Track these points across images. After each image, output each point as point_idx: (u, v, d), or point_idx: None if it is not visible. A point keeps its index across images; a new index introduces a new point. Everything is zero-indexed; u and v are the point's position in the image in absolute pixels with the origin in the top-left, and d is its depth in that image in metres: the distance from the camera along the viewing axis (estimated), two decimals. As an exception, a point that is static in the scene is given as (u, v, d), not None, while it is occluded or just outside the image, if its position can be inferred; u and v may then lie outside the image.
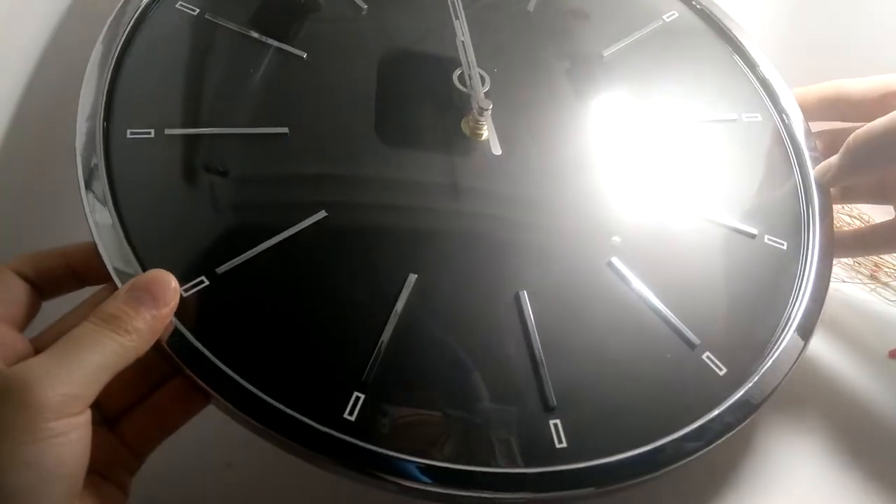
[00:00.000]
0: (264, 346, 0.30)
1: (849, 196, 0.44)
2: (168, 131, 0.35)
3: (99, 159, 0.32)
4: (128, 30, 0.37)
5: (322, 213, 0.34)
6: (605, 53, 0.44)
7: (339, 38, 0.41)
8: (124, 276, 0.30)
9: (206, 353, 0.29)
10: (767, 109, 0.44)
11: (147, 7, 0.38)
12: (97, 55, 0.35)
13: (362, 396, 0.30)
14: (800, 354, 0.35)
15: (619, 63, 0.44)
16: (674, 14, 0.47)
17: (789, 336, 0.35)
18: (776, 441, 0.39)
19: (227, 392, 0.28)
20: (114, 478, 0.29)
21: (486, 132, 0.38)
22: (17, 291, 0.29)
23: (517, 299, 0.34)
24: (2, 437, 0.22)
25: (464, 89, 0.39)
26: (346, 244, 0.34)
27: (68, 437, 0.23)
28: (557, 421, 0.31)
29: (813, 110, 0.43)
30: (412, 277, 0.33)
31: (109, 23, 0.36)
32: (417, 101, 0.40)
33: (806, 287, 0.36)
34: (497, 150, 0.37)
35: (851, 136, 0.37)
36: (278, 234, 0.33)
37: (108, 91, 0.35)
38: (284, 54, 0.39)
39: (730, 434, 0.32)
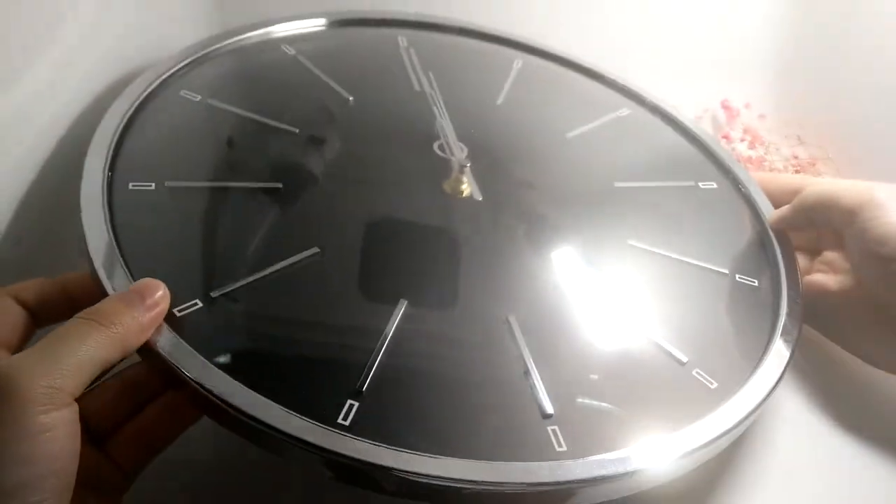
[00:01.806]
0: (257, 358, 0.31)
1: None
2: (168, 184, 0.37)
3: (103, 202, 0.34)
4: (136, 104, 0.40)
5: (314, 249, 0.35)
6: (569, 135, 0.48)
7: (329, 119, 0.45)
8: None
9: (202, 357, 0.29)
10: (722, 178, 0.48)
11: (154, 91, 0.42)
12: (108, 123, 0.39)
13: (356, 404, 0.29)
14: (788, 361, 0.35)
15: (581, 142, 0.48)
16: (625, 111, 0.52)
17: (775, 346, 0.36)
18: (776, 441, 0.38)
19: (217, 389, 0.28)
20: (104, 497, 0.28)
21: (467, 187, 0.41)
22: (15, 316, 0.30)
23: (507, 323, 0.34)
24: None
25: (443, 155, 0.43)
26: (337, 277, 0.35)
27: (57, 433, 0.23)
28: (556, 427, 0.30)
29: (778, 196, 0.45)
30: (403, 303, 0.34)
31: (122, 96, 0.40)
32: (402, 169, 0.43)
33: (782, 308, 0.38)
34: (479, 196, 0.40)
35: (805, 192, 0.40)
36: (272, 265, 0.34)
37: (113, 151, 0.37)
38: (277, 130, 0.43)
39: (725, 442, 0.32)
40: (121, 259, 0.32)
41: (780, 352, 0.36)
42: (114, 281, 0.31)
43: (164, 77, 0.43)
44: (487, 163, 0.44)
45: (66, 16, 0.41)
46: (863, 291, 0.37)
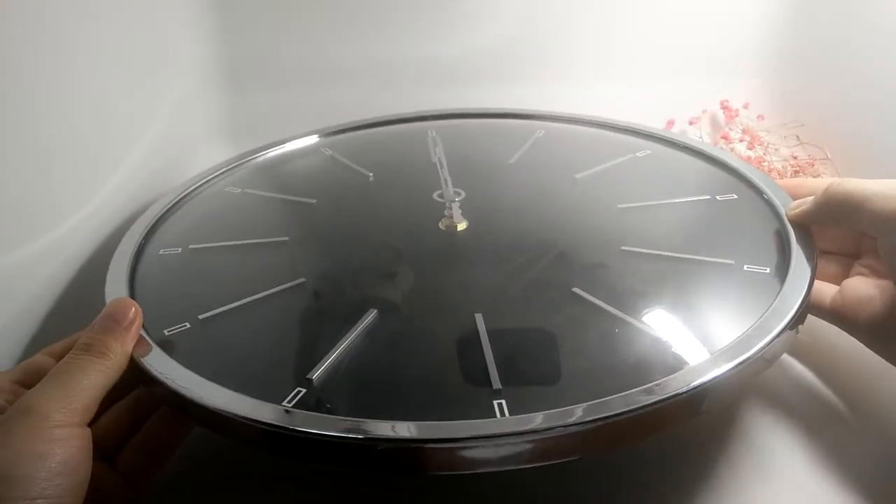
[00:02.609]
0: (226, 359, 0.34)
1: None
2: (192, 246, 0.43)
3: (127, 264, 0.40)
4: (180, 196, 0.48)
5: (301, 280, 0.39)
6: (578, 176, 0.49)
7: (345, 191, 0.50)
8: None
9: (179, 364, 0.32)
10: (745, 190, 0.45)
11: (200, 186, 0.50)
12: (154, 209, 0.46)
13: (303, 391, 0.30)
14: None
15: (589, 180, 0.49)
16: (645, 151, 0.52)
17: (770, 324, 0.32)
18: (776, 443, 0.36)
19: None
20: None
21: (461, 223, 0.43)
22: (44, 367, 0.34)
23: (473, 319, 0.34)
24: (14, 437, 0.26)
25: (440, 200, 0.45)
26: (315, 297, 0.38)
27: (72, 442, 0.27)
28: (502, 401, 0.29)
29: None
30: (371, 311, 0.35)
31: (168, 193, 0.48)
32: (402, 215, 0.46)
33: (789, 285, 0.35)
34: (463, 224, 0.43)
35: (831, 184, 0.37)
36: (257, 293, 0.38)
37: (151, 228, 0.45)
38: (296, 202, 0.48)
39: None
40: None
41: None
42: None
43: (209, 177, 0.51)
44: (488, 206, 0.46)
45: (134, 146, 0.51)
46: None
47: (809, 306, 0.35)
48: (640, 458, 0.35)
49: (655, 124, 0.63)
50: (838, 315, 0.37)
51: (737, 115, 0.62)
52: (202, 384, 0.31)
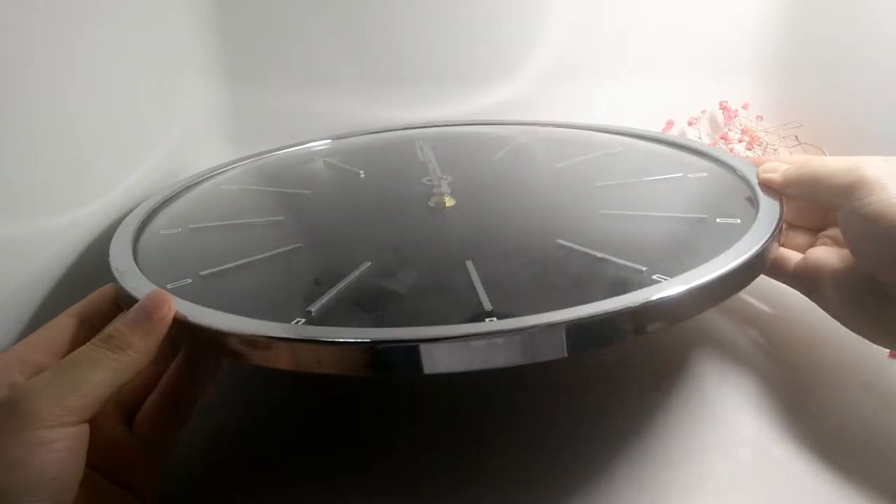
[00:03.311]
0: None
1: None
2: (192, 226, 0.45)
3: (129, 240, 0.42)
4: (178, 190, 0.50)
5: (298, 244, 0.40)
6: (558, 165, 0.52)
7: (337, 185, 0.52)
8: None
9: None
10: (717, 168, 0.48)
11: (196, 183, 0.52)
12: (150, 200, 0.48)
13: (303, 320, 0.32)
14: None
15: (569, 168, 0.51)
16: (619, 148, 0.56)
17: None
18: (775, 442, 0.35)
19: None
20: (137, 480, 0.31)
21: (449, 199, 0.45)
22: (66, 331, 0.33)
23: (464, 265, 0.36)
24: None
25: (428, 183, 0.48)
26: (311, 256, 0.40)
27: (57, 446, 0.25)
28: (494, 318, 0.31)
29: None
30: (366, 264, 0.37)
31: (168, 187, 0.51)
32: (391, 197, 0.49)
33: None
34: (452, 202, 0.45)
35: (794, 166, 0.41)
36: (257, 255, 0.39)
37: (150, 213, 0.46)
38: (291, 193, 0.50)
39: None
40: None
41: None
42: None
43: (205, 177, 0.53)
44: (474, 188, 0.48)
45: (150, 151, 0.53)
46: (860, 268, 0.36)
47: (774, 247, 0.37)
48: (597, 406, 0.37)
49: (655, 125, 0.66)
50: (800, 279, 0.39)
51: (736, 116, 0.64)
52: (211, 313, 0.32)
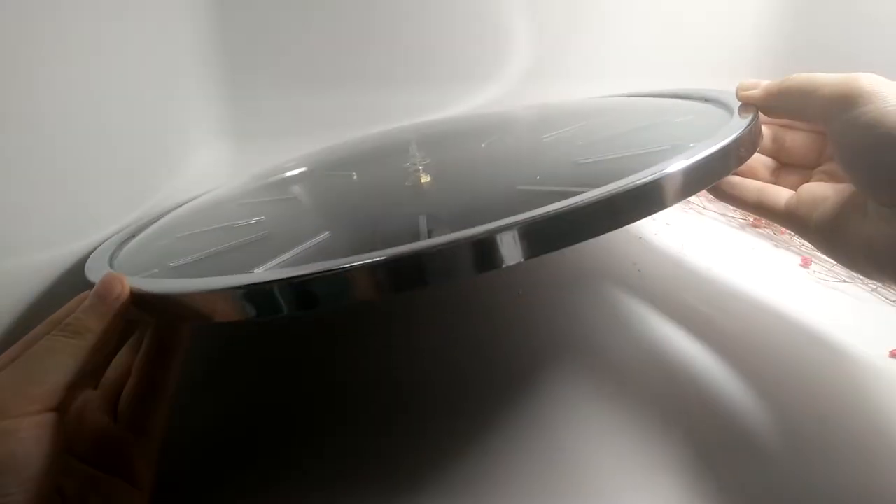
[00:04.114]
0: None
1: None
2: (178, 235, 0.46)
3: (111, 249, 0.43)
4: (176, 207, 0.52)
5: (265, 232, 0.41)
6: (545, 137, 0.50)
7: (329, 186, 0.53)
8: None
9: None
10: (702, 107, 0.46)
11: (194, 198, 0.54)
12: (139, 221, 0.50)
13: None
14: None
15: (555, 138, 0.50)
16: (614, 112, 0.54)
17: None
18: (774, 442, 0.35)
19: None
20: (134, 470, 0.31)
21: (426, 177, 0.45)
22: None
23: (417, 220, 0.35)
24: None
25: (408, 166, 0.48)
26: (276, 235, 0.40)
27: (19, 435, 0.25)
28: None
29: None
30: (324, 233, 0.37)
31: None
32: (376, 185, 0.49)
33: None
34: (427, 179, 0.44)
35: (786, 78, 0.38)
36: (225, 244, 0.40)
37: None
38: (284, 198, 0.51)
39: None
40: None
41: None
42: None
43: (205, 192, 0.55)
44: (454, 166, 0.47)
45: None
46: (857, 192, 0.34)
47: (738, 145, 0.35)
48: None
49: None
50: (792, 216, 0.37)
51: None
52: (164, 281, 0.32)
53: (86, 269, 0.39)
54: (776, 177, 0.41)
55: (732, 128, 0.35)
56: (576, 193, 0.32)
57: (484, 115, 0.64)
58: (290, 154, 0.62)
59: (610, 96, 0.58)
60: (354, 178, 0.53)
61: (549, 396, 0.37)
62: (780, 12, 0.65)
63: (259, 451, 0.37)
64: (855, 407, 0.36)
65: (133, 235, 0.47)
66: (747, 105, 0.39)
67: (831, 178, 0.38)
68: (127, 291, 0.31)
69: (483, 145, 0.54)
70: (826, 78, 0.35)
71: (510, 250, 0.27)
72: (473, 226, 0.27)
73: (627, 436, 0.34)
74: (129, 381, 0.34)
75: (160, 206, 0.52)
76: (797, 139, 0.41)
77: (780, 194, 0.39)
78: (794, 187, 0.39)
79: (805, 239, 0.37)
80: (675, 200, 0.31)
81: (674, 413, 0.35)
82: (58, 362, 0.27)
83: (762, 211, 0.39)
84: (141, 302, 0.31)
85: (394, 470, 0.34)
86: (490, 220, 0.27)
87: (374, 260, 0.27)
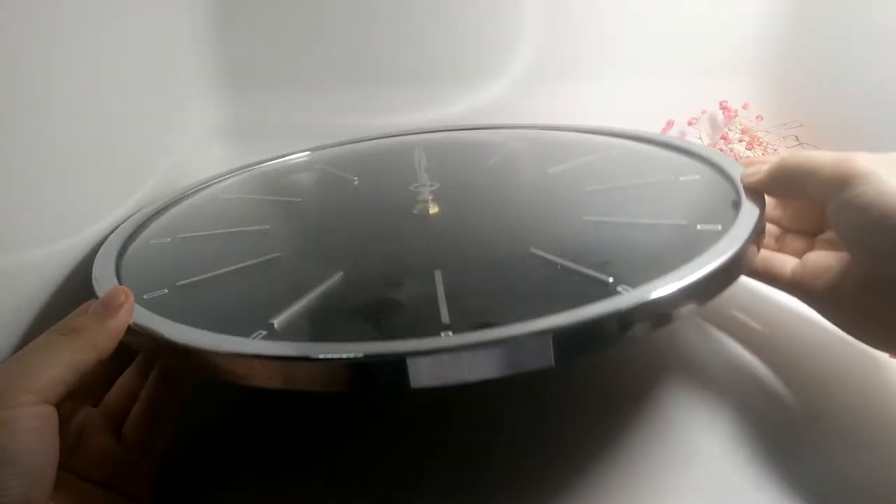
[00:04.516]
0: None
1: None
2: (181, 236, 0.46)
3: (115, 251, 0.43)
4: (173, 200, 0.52)
5: (276, 254, 0.41)
6: (550, 170, 0.51)
7: (330, 192, 0.53)
8: None
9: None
10: (708, 171, 0.47)
11: (195, 192, 0.53)
12: (147, 209, 0.49)
13: (264, 332, 0.32)
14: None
15: (561, 173, 0.51)
16: (619, 149, 0.55)
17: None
18: (774, 441, 0.35)
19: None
20: (134, 488, 0.32)
21: (433, 206, 0.45)
22: None
23: (432, 275, 0.36)
24: None
25: (416, 190, 0.48)
26: (288, 265, 0.40)
27: (16, 425, 0.25)
28: (450, 332, 0.31)
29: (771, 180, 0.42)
30: (338, 274, 0.37)
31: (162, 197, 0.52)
32: (381, 204, 0.49)
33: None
34: (435, 209, 0.45)
35: (785, 156, 0.39)
36: (234, 265, 0.40)
37: (143, 223, 0.48)
38: (282, 202, 0.51)
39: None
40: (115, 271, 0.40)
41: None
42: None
43: (204, 185, 0.54)
44: (462, 194, 0.48)
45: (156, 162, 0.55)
46: (859, 267, 0.35)
47: (748, 253, 0.36)
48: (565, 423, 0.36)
49: (655, 125, 0.66)
50: (798, 285, 0.38)
51: (736, 116, 0.64)
52: (169, 325, 0.32)
53: (94, 280, 0.39)
54: (781, 243, 0.42)
55: (738, 236, 0.36)
56: (590, 277, 0.34)
57: (485, 127, 0.64)
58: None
59: (603, 132, 0.59)
60: (356, 182, 0.54)
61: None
62: (780, 12, 0.66)
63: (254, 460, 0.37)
64: (855, 408, 0.37)
65: (136, 231, 0.46)
66: (754, 192, 0.40)
67: (833, 246, 0.39)
68: (131, 302, 0.32)
69: (490, 163, 0.55)
70: (824, 158, 0.35)
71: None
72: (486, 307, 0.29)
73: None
74: (136, 406, 0.35)
75: (161, 199, 0.52)
76: (799, 206, 0.42)
77: (786, 263, 0.39)
78: (799, 254, 0.40)
79: (813, 308, 0.38)
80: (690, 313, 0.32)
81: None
82: (53, 357, 0.28)
83: (768, 279, 0.40)
84: (165, 351, 0.32)
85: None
86: (509, 305, 0.30)
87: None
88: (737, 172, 0.44)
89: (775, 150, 0.59)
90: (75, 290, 0.44)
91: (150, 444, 0.34)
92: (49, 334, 0.29)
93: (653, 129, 0.66)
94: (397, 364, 0.28)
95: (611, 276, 0.34)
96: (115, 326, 0.31)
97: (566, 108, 0.63)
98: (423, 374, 0.28)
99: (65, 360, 0.28)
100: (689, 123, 0.66)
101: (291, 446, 0.38)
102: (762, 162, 0.43)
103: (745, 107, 0.64)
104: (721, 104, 0.65)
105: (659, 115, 0.66)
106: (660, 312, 0.31)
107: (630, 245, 0.38)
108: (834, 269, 0.36)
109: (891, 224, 0.31)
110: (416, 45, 0.66)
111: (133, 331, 0.33)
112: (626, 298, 0.30)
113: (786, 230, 0.43)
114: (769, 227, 0.43)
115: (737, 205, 0.41)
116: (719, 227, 0.38)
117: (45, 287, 0.42)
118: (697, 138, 0.65)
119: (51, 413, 0.27)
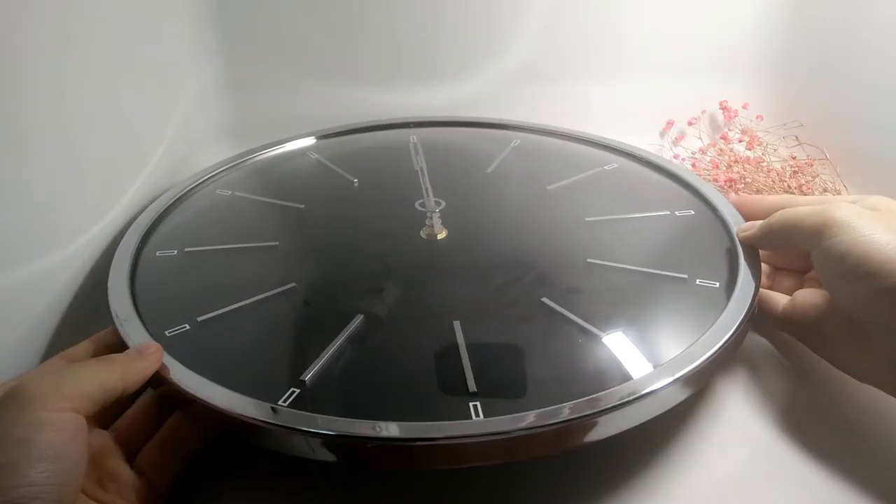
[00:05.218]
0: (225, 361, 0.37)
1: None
2: (187, 249, 0.46)
3: (127, 267, 0.43)
4: (174, 199, 0.51)
5: (291, 284, 0.42)
6: (550, 187, 0.53)
7: (332, 196, 0.53)
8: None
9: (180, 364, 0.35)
10: (701, 206, 0.49)
11: (194, 188, 0.53)
12: (148, 212, 0.49)
13: (297, 391, 0.34)
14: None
15: (560, 191, 0.52)
16: (613, 165, 0.56)
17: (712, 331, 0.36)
18: (772, 442, 0.37)
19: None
20: None
21: (441, 231, 0.46)
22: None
23: (451, 326, 0.38)
24: None
25: (422, 209, 0.49)
26: (307, 301, 0.41)
27: (55, 427, 0.27)
28: (478, 402, 0.33)
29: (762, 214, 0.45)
30: (358, 318, 0.39)
31: (163, 195, 0.51)
32: (385, 223, 0.50)
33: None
34: (443, 233, 0.46)
35: (772, 217, 0.42)
36: (252, 297, 0.41)
37: (148, 229, 0.47)
38: (285, 207, 0.51)
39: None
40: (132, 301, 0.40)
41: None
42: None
43: (200, 180, 0.54)
44: (466, 214, 0.49)
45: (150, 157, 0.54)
46: (838, 306, 0.38)
47: (750, 324, 0.39)
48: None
49: (655, 125, 0.66)
50: (788, 321, 0.41)
51: (736, 116, 0.64)
52: (205, 384, 0.34)
53: (110, 302, 0.39)
54: (772, 281, 0.45)
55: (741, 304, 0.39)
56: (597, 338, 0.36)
57: (480, 124, 0.64)
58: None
59: (584, 139, 0.60)
60: (356, 184, 0.54)
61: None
62: (779, 12, 0.65)
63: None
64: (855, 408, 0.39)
65: (143, 241, 0.46)
66: (750, 249, 0.43)
67: (818, 284, 0.42)
68: (160, 355, 0.35)
69: (489, 171, 0.56)
70: (806, 211, 0.38)
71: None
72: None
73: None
74: (154, 441, 0.35)
75: (161, 197, 0.51)
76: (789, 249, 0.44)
77: (778, 300, 0.42)
78: (790, 291, 0.42)
79: (802, 342, 0.41)
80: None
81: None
82: (87, 374, 0.30)
83: (762, 315, 0.42)
84: (201, 411, 0.33)
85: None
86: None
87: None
88: (728, 211, 0.47)
89: (775, 150, 0.60)
90: (86, 296, 0.44)
91: (163, 478, 0.35)
92: (87, 360, 0.32)
93: (653, 128, 0.67)
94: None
95: (623, 348, 0.36)
96: (144, 368, 0.34)
97: (567, 107, 0.63)
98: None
99: (97, 380, 0.30)
100: (689, 123, 0.66)
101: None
102: (760, 207, 0.46)
103: (745, 107, 0.64)
104: (721, 104, 0.65)
105: (659, 115, 0.66)
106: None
107: (633, 300, 0.41)
108: (820, 307, 0.39)
109: (865, 271, 0.34)
110: (406, 40, 0.65)
111: (168, 385, 0.34)
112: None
113: (777, 269, 0.46)
114: (763, 266, 0.46)
115: (731, 253, 0.43)
116: (717, 285, 0.41)
117: (60, 295, 0.43)
118: (697, 138, 0.65)
119: (83, 423, 0.28)
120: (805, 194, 0.55)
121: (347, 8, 0.63)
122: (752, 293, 0.40)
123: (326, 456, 0.31)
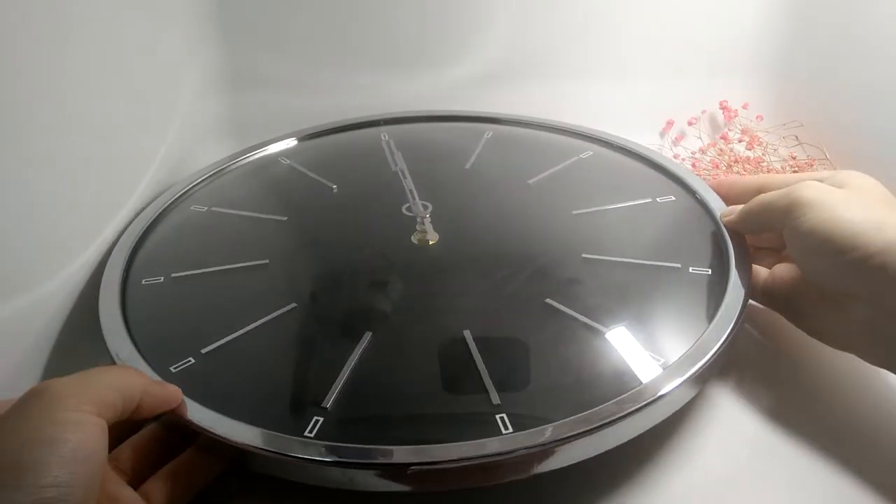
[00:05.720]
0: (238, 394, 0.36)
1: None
2: (174, 275, 0.44)
3: (116, 297, 0.42)
4: (151, 221, 0.49)
5: (292, 305, 0.41)
6: (531, 181, 0.53)
7: (314, 206, 0.52)
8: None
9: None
10: (681, 191, 0.51)
11: (168, 206, 0.51)
12: (127, 236, 0.47)
13: (321, 419, 0.33)
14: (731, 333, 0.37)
15: (542, 185, 0.53)
16: (588, 153, 0.57)
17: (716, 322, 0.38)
18: (773, 442, 0.38)
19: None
20: None
21: (432, 236, 0.46)
22: None
23: (463, 336, 0.38)
24: (25, 420, 0.26)
25: (409, 214, 0.48)
26: (310, 322, 0.41)
27: (85, 428, 0.27)
28: (503, 415, 0.33)
29: (739, 196, 0.47)
30: (367, 335, 0.38)
31: (140, 217, 0.49)
32: (374, 231, 0.49)
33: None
34: (434, 238, 0.46)
35: (754, 199, 0.43)
36: (253, 322, 0.40)
37: (130, 255, 0.45)
38: (267, 220, 0.50)
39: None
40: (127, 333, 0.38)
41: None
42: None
43: (176, 196, 0.52)
44: (454, 216, 0.49)
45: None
46: (809, 281, 0.40)
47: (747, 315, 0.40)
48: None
49: (655, 125, 0.67)
50: (769, 295, 0.43)
51: (736, 116, 0.64)
52: (224, 422, 0.33)
53: (108, 343, 0.38)
54: (753, 259, 0.46)
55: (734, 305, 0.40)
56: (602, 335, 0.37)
57: (450, 117, 0.64)
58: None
59: (551, 127, 0.61)
60: (335, 190, 0.53)
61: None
62: (779, 12, 0.66)
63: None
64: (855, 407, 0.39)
65: (126, 269, 0.44)
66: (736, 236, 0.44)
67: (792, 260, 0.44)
68: (179, 398, 0.34)
69: (467, 166, 0.55)
70: (776, 194, 0.40)
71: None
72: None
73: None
74: (165, 468, 0.35)
75: (138, 219, 0.49)
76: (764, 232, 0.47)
77: (759, 274, 0.44)
78: (769, 267, 0.44)
79: (782, 315, 0.43)
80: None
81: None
82: (111, 381, 0.30)
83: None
84: (224, 449, 0.33)
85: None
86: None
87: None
88: (707, 194, 0.49)
89: (775, 149, 0.61)
90: (81, 317, 0.43)
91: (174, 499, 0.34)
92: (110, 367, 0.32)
93: (653, 128, 0.67)
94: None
95: (633, 346, 0.37)
96: (164, 395, 0.33)
97: (567, 107, 0.63)
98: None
99: (116, 384, 0.30)
100: (689, 123, 0.66)
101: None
102: (736, 190, 0.48)
103: (745, 107, 0.65)
104: (721, 104, 0.65)
105: (659, 115, 0.67)
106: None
107: (635, 295, 0.42)
108: (795, 281, 0.41)
109: (830, 247, 0.36)
110: (417, 43, 0.66)
111: (189, 425, 0.33)
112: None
113: (756, 248, 0.48)
114: None
115: (716, 237, 0.45)
116: (709, 272, 0.42)
117: (54, 320, 0.42)
118: (697, 138, 0.66)
119: (104, 426, 0.28)
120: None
121: (348, 7, 0.63)
122: (746, 281, 0.41)
123: (364, 485, 0.31)
